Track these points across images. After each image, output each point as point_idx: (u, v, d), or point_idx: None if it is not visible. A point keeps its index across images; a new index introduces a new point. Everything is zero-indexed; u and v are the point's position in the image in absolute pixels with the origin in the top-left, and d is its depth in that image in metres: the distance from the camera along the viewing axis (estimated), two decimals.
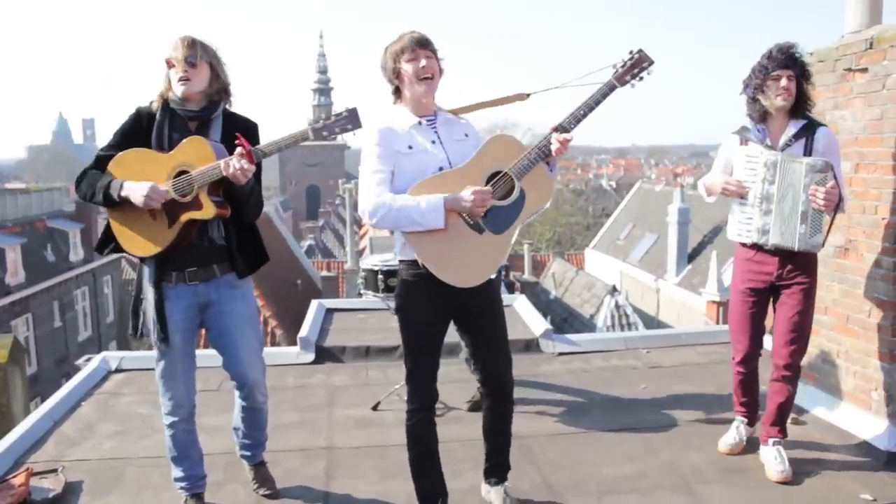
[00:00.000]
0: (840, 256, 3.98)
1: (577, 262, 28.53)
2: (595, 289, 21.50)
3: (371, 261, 4.37)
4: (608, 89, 2.96)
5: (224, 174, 2.83)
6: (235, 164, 2.81)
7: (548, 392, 4.68)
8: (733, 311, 3.70)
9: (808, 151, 3.39)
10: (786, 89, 3.33)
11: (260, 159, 2.91)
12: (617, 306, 19.78)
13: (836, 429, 3.92)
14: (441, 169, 2.90)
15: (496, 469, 3.23)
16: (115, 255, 30.44)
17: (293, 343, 5.76)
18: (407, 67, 2.88)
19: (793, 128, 3.42)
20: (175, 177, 2.90)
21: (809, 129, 3.41)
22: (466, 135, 3.04)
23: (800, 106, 3.39)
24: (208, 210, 2.89)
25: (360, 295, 4.58)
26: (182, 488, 3.27)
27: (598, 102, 2.93)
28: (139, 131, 3.01)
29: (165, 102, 3.01)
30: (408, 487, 3.45)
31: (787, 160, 3.37)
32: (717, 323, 18.47)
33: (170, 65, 2.95)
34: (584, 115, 2.92)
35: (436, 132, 2.97)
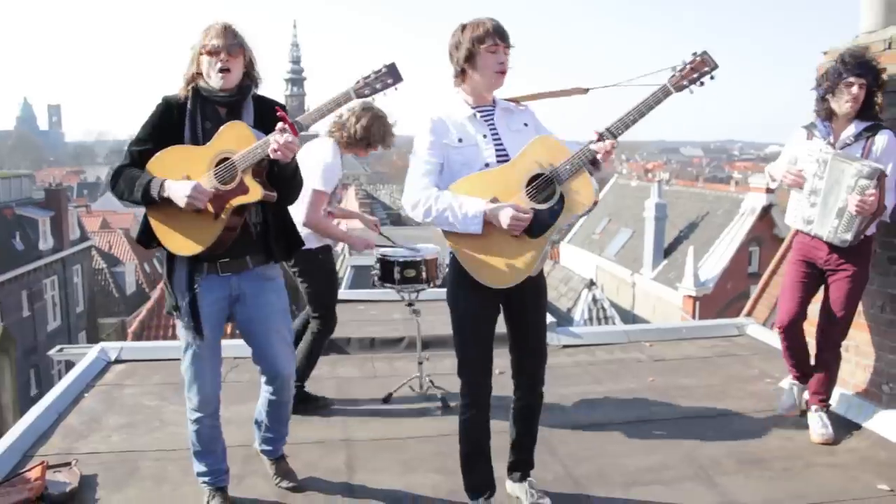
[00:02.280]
0: None
1: (553, 256, 28.68)
2: (572, 283, 21.64)
3: (387, 250, 4.32)
4: (662, 95, 2.78)
5: (268, 152, 2.74)
6: (279, 139, 2.72)
7: (558, 384, 4.69)
8: (785, 281, 3.98)
9: (865, 153, 3.55)
10: (855, 97, 3.52)
11: (304, 130, 2.84)
12: (594, 300, 19.89)
13: (848, 422, 3.98)
14: (487, 165, 2.86)
15: (521, 464, 3.23)
16: (84, 244, 30.01)
17: None
18: (487, 56, 2.82)
19: (854, 128, 3.61)
20: (216, 165, 2.82)
21: (871, 131, 3.58)
22: (526, 124, 2.99)
23: (866, 109, 3.57)
24: (255, 192, 2.80)
25: (374, 286, 4.54)
26: (206, 482, 3.21)
27: (650, 108, 2.79)
28: (170, 122, 2.92)
29: (195, 90, 2.93)
30: (431, 480, 3.47)
31: (837, 159, 3.54)
32: (693, 318, 18.74)
33: (210, 53, 2.85)
34: (635, 122, 2.79)
35: (491, 125, 2.92)
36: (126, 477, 3.50)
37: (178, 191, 2.79)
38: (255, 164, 2.80)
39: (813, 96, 3.78)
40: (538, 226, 2.79)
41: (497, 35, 2.82)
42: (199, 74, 2.92)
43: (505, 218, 2.73)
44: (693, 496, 3.30)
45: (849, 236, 3.54)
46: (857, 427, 3.92)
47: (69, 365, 6.24)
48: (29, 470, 3.38)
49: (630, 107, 2.78)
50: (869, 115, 3.60)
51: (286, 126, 2.74)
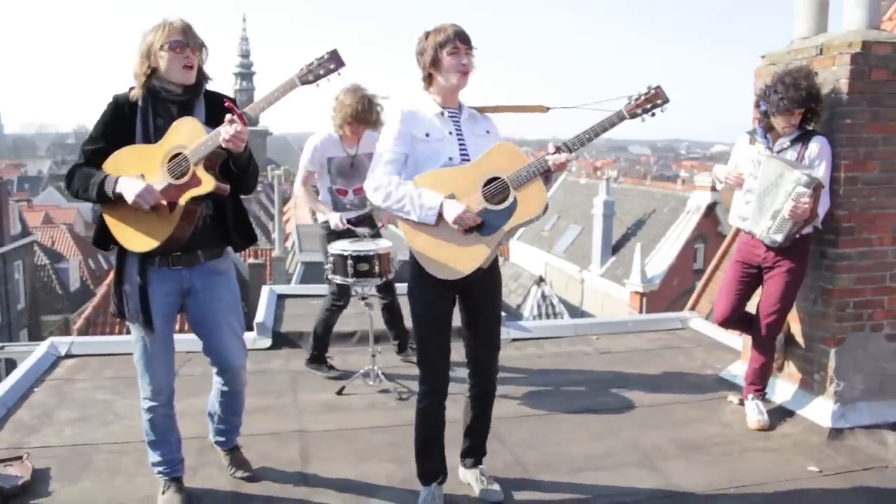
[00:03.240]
0: None
1: (503, 253, 28.93)
2: (521, 279, 21.87)
3: (340, 245, 4.38)
4: (617, 119, 2.98)
5: (220, 143, 2.78)
6: (229, 130, 2.77)
7: (506, 377, 4.80)
8: (724, 278, 4.25)
9: (799, 157, 3.81)
10: (794, 124, 3.81)
11: (252, 120, 2.86)
12: (543, 296, 20.14)
13: (781, 408, 4.19)
14: (451, 159, 2.99)
15: (474, 451, 3.34)
16: (26, 239, 29.18)
17: None
18: (449, 59, 2.95)
19: (790, 136, 3.87)
20: (169, 161, 2.86)
21: (805, 137, 3.84)
22: (488, 132, 3.15)
23: (803, 120, 3.83)
24: (208, 184, 2.83)
25: (327, 280, 4.59)
26: (160, 472, 3.24)
27: (604, 129, 2.99)
28: (121, 120, 2.94)
29: (147, 88, 2.94)
30: (384, 469, 3.56)
31: (772, 160, 3.81)
32: (641, 313, 19.15)
33: (173, 50, 2.87)
34: (590, 140, 2.98)
35: (457, 125, 3.06)
36: (79, 470, 3.49)
37: (128, 189, 2.83)
38: (207, 158, 2.84)
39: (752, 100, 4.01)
40: (490, 225, 2.93)
41: (458, 38, 2.95)
42: (153, 71, 2.93)
43: (451, 214, 2.87)
44: (637, 481, 3.45)
45: (779, 238, 3.79)
46: (791, 414, 4.12)
47: (10, 363, 6.15)
48: None
49: (587, 126, 2.98)
50: (803, 124, 3.85)
51: (235, 117, 2.78)
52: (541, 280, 20.66)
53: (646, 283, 20.26)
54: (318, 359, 4.93)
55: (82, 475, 3.45)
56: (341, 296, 4.79)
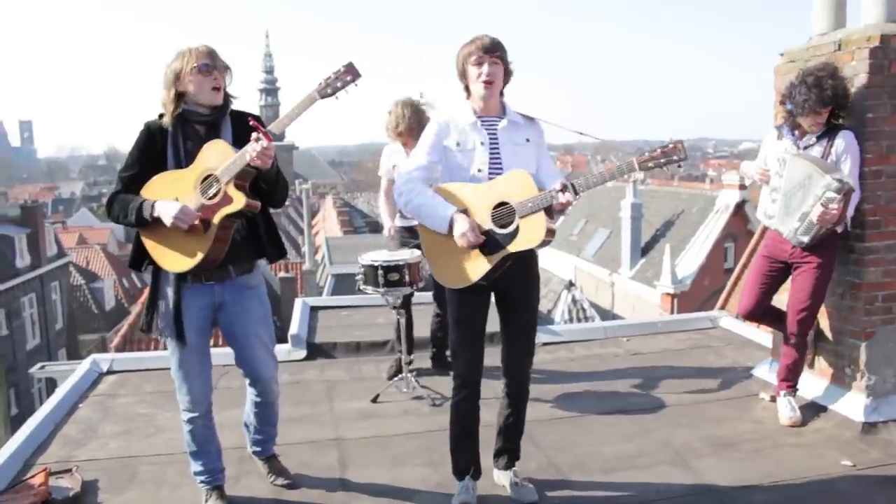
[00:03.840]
0: None
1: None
2: (551, 284, 21.86)
3: (371, 256, 4.48)
4: (627, 169, 3.01)
5: (248, 160, 2.90)
6: (256, 147, 2.88)
7: (538, 380, 4.85)
8: (750, 272, 4.29)
9: (826, 154, 3.81)
10: (820, 123, 3.81)
11: (277, 136, 2.98)
12: (574, 301, 20.12)
13: (814, 404, 4.19)
14: (480, 171, 3.12)
15: (508, 453, 3.40)
16: (62, 260, 29.76)
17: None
18: (472, 70, 3.09)
19: (817, 132, 3.87)
20: (202, 182, 2.99)
21: (832, 132, 3.83)
22: (528, 139, 3.21)
23: (830, 116, 3.83)
24: (239, 201, 2.95)
25: (359, 290, 4.69)
26: (202, 482, 3.35)
27: (613, 177, 3.04)
28: (153, 146, 3.08)
29: (177, 113, 3.06)
30: (420, 473, 3.63)
31: (797, 159, 3.83)
32: (672, 314, 19.02)
33: (202, 73, 3.00)
34: (598, 185, 3.04)
35: (492, 134, 3.15)
36: (126, 481, 3.62)
37: (166, 211, 2.97)
38: (237, 176, 2.95)
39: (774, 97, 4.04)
40: (493, 246, 3.05)
41: (482, 50, 3.06)
42: (181, 96, 3.05)
43: (457, 231, 3.01)
44: (669, 479, 3.49)
45: (806, 239, 3.82)
46: (824, 409, 4.12)
47: (51, 382, 6.33)
48: (32, 477, 3.50)
49: (597, 171, 3.05)
50: (830, 120, 3.84)
51: (260, 135, 2.90)
52: (571, 285, 20.65)
53: (676, 284, 20.12)
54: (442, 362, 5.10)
55: (129, 486, 3.57)
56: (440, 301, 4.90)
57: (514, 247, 3.01)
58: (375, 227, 31.32)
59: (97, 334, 31.84)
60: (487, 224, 3.04)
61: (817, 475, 3.47)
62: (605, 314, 22.35)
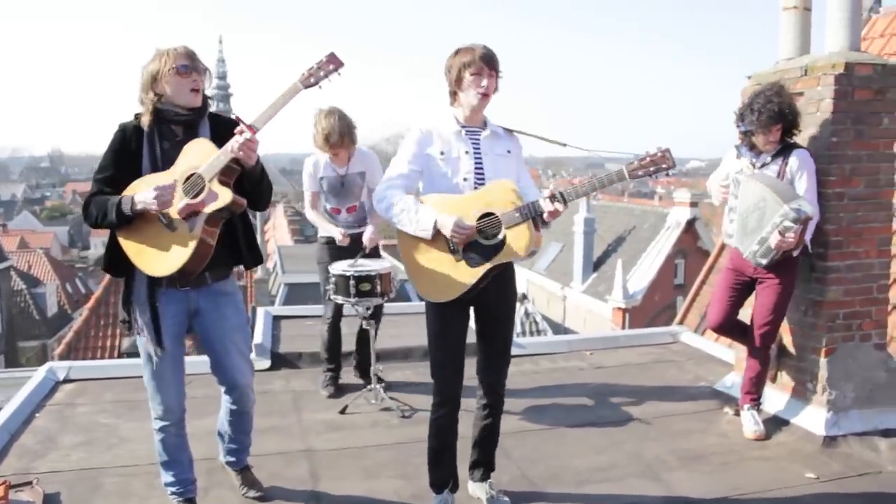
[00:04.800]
0: None
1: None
2: None
3: (342, 266, 4.44)
4: (617, 178, 3.01)
5: (233, 155, 2.85)
6: (239, 140, 2.84)
7: (506, 392, 4.88)
8: (717, 286, 4.38)
9: (781, 173, 3.93)
10: (773, 141, 3.93)
11: (260, 128, 2.91)
12: (527, 314, 20.25)
13: (776, 418, 4.30)
14: (465, 179, 3.09)
15: (483, 464, 3.41)
16: (2, 265, 28.81)
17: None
18: (470, 80, 3.06)
19: (772, 150, 3.99)
20: (184, 183, 2.92)
21: (786, 151, 3.96)
22: (509, 151, 3.21)
23: (783, 134, 3.95)
24: (225, 196, 2.88)
25: (329, 300, 4.65)
26: (173, 493, 3.28)
27: (603, 186, 3.05)
28: (128, 147, 3.00)
29: (154, 113, 3.00)
30: (393, 485, 3.61)
31: (750, 183, 3.95)
32: (623, 329, 19.30)
33: (180, 74, 2.95)
34: (587, 194, 3.07)
35: (475, 144, 3.14)
36: (90, 494, 3.51)
37: (146, 197, 2.87)
38: (221, 172, 2.90)
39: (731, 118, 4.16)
40: (477, 257, 3.05)
41: (482, 61, 3.05)
42: (159, 97, 2.99)
43: (448, 225, 2.98)
44: (643, 491, 3.54)
45: (764, 261, 3.93)
46: (786, 423, 4.23)
47: None
48: None
49: (586, 180, 3.05)
50: (784, 139, 3.96)
51: (244, 127, 2.86)
52: (524, 297, 20.77)
53: (628, 298, 20.45)
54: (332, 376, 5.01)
55: (93, 499, 3.46)
56: (337, 315, 4.91)
57: (499, 258, 3.01)
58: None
59: (38, 341, 30.87)
60: (473, 236, 3.02)
61: (784, 487, 3.56)
62: (557, 328, 22.55)
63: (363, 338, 5.00)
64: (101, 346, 16.84)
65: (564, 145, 3.44)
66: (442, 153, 3.12)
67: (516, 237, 2.99)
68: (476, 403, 3.33)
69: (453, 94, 3.17)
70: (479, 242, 3.03)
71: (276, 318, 6.60)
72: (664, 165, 2.94)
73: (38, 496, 3.41)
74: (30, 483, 3.51)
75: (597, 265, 23.47)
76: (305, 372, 5.39)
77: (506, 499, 3.34)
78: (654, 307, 20.74)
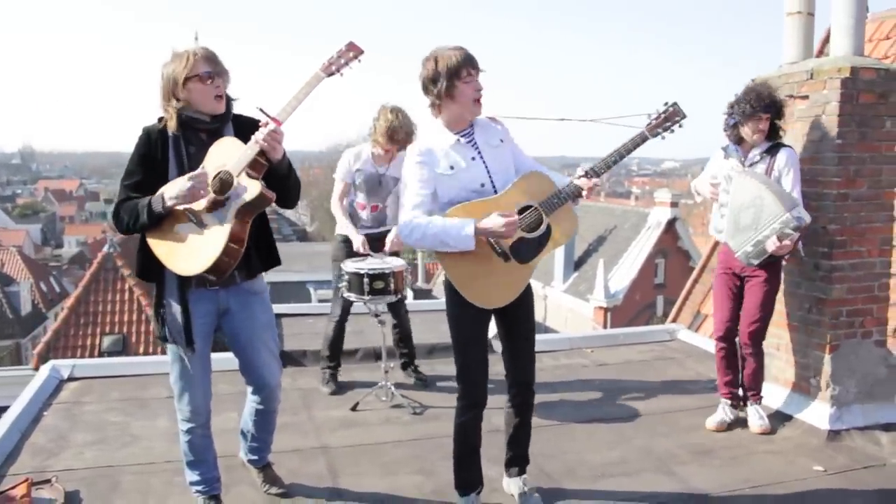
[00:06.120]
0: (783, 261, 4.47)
1: None
2: None
3: (356, 264, 4.47)
4: (640, 140, 3.04)
5: (258, 147, 2.84)
6: (265, 131, 2.84)
7: None
8: (714, 292, 4.44)
9: (769, 169, 4.02)
10: (762, 130, 4.01)
11: (285, 119, 2.90)
12: None
13: (781, 414, 4.40)
14: (482, 185, 3.04)
15: (519, 459, 3.43)
16: None
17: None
18: (465, 88, 2.96)
19: (759, 148, 4.08)
20: (212, 180, 2.92)
21: (773, 150, 4.06)
22: (501, 140, 3.16)
23: (769, 133, 4.04)
24: (254, 188, 2.87)
25: (343, 298, 4.67)
26: (198, 492, 3.29)
27: (628, 151, 3.08)
28: (153, 150, 2.99)
29: (179, 117, 2.97)
30: (413, 481, 3.65)
31: (744, 179, 4.04)
32: (605, 328, 19.47)
33: (202, 80, 2.92)
34: (615, 163, 3.07)
35: (474, 146, 3.08)
36: (109, 492, 3.51)
37: (179, 188, 2.85)
38: (249, 166, 2.89)
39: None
40: (526, 252, 3.04)
41: (470, 64, 2.97)
42: (181, 103, 2.95)
43: (498, 223, 2.90)
44: (658, 485, 3.61)
45: (755, 262, 4.05)
46: (790, 418, 4.33)
47: None
48: (12, 488, 3.36)
49: (611, 149, 3.09)
50: (772, 137, 4.07)
51: (269, 119, 2.86)
52: None
53: (609, 298, 20.63)
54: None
55: (112, 497, 3.47)
56: (344, 313, 4.95)
57: (550, 245, 3.04)
58: (303, 236, 30.84)
59: (12, 340, 30.41)
60: (517, 233, 3.00)
61: (794, 480, 3.65)
62: (538, 326, 22.49)
63: (404, 335, 5.10)
64: (82, 345, 16.66)
65: (561, 120, 3.47)
66: (451, 168, 3.02)
67: (561, 221, 3.04)
68: (507, 402, 3.34)
69: (437, 105, 3.04)
70: (525, 237, 3.03)
71: (279, 316, 6.56)
72: (678, 118, 3.08)
73: (60, 494, 3.40)
74: (48, 481, 3.50)
75: (578, 264, 23.64)
76: (311, 370, 5.40)
77: (537, 495, 3.38)
78: (636, 306, 20.95)
